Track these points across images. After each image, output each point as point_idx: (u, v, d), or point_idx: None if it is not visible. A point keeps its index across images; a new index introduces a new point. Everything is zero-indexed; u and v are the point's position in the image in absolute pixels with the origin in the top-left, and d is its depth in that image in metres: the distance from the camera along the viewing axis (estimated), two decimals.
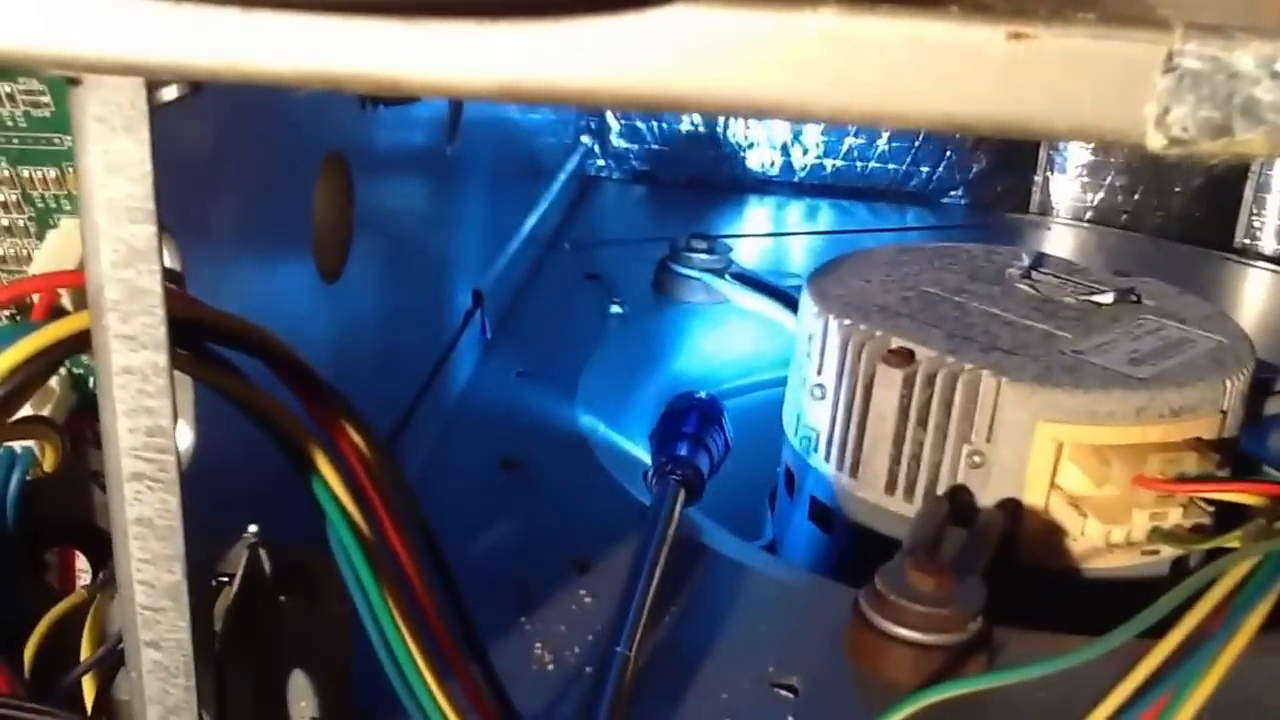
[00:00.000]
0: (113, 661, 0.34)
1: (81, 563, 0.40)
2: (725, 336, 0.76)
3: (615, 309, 0.77)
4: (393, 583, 0.33)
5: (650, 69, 0.24)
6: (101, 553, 0.38)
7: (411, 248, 0.56)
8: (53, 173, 0.36)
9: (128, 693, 0.33)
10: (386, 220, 0.51)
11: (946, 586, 0.44)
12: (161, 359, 0.29)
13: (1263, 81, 0.23)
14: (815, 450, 0.56)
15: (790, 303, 0.65)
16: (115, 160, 0.27)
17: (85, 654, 0.35)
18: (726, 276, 0.78)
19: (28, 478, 0.36)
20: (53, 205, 0.37)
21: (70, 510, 0.39)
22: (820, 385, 0.55)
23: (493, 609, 0.45)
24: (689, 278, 0.79)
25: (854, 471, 0.54)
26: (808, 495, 0.57)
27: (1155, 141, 0.23)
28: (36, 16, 0.23)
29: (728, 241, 0.81)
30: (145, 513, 0.30)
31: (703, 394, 0.56)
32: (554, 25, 0.23)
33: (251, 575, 0.36)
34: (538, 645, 0.44)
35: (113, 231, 0.28)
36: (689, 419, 0.53)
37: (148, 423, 0.29)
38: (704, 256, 0.79)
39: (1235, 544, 0.47)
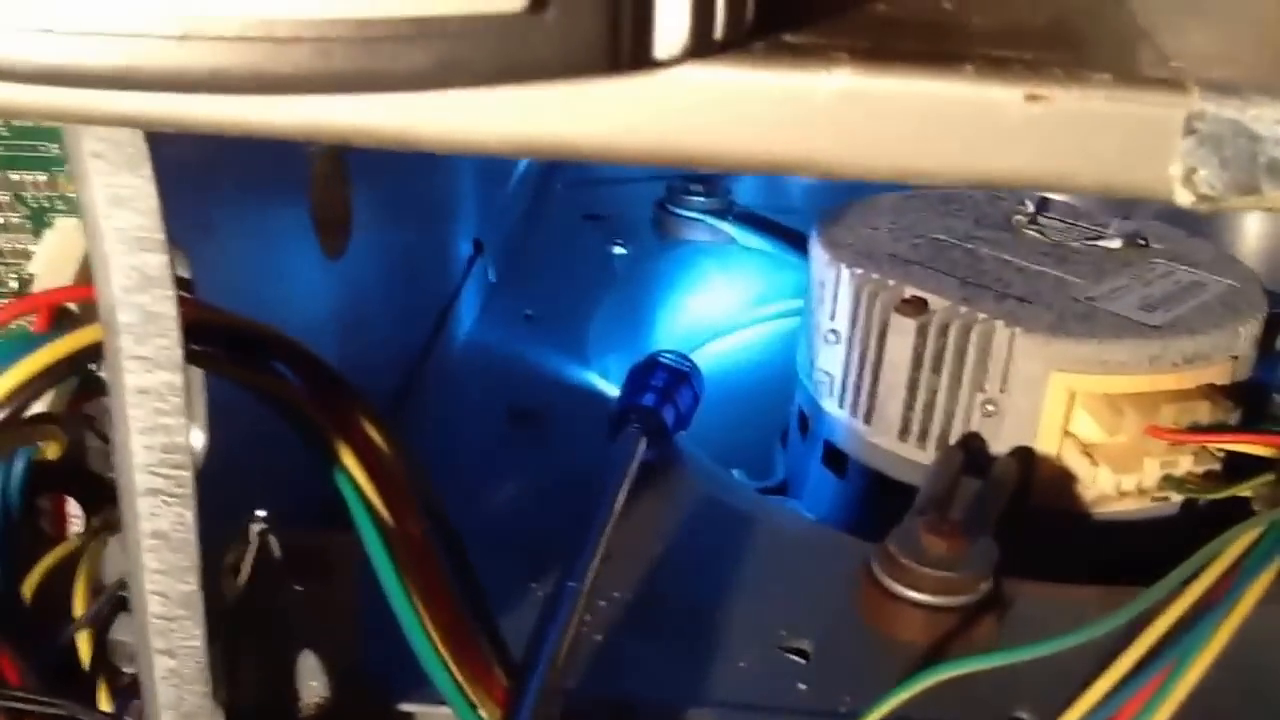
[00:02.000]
0: (108, 610, 0.35)
1: (73, 508, 0.39)
2: (733, 273, 0.75)
3: (618, 250, 0.75)
4: (411, 567, 0.34)
5: (662, 128, 0.24)
6: (94, 498, 0.37)
7: (410, 205, 0.56)
8: (43, 176, 0.36)
9: (127, 634, 0.34)
10: (384, 184, 0.51)
11: (958, 549, 0.44)
12: (177, 379, 0.29)
13: None
14: (829, 394, 0.56)
15: (797, 242, 0.65)
16: (119, 195, 0.27)
17: (78, 602, 0.35)
18: (729, 218, 0.77)
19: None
20: (46, 205, 0.37)
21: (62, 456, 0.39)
22: (834, 331, 0.55)
23: (504, 567, 0.45)
24: (691, 219, 0.77)
25: (868, 418, 0.54)
26: (821, 439, 0.57)
27: (1184, 198, 0.23)
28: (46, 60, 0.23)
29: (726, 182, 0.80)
30: (161, 526, 0.30)
31: (671, 354, 0.56)
32: (566, 86, 0.23)
33: (261, 559, 0.37)
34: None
35: (124, 260, 0.27)
36: (656, 373, 0.54)
37: (164, 440, 0.29)
38: (703, 199, 0.77)
39: (1247, 493, 0.48)
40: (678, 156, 0.24)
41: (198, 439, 0.34)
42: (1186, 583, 0.40)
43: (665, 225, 0.78)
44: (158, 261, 0.28)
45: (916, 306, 0.52)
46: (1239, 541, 0.40)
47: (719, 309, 0.72)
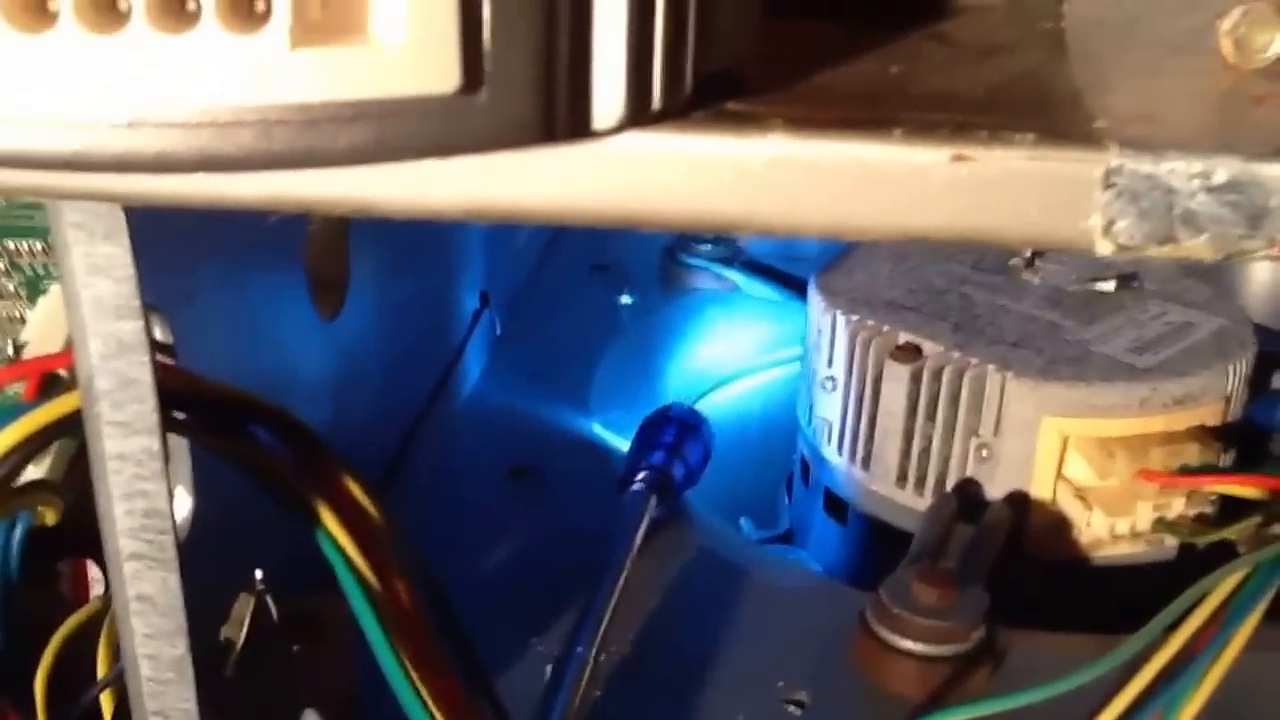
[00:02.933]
0: None
1: (95, 572, 0.40)
2: (740, 321, 0.75)
3: (625, 299, 0.76)
4: (400, 630, 0.34)
5: (603, 193, 0.25)
6: None
7: (413, 260, 0.56)
8: (39, 245, 0.37)
9: None
10: (387, 240, 0.52)
11: (950, 597, 0.45)
12: (155, 444, 0.30)
13: (1197, 195, 0.24)
14: (828, 441, 0.57)
15: (802, 289, 0.65)
16: (98, 263, 0.28)
17: (102, 664, 0.35)
18: (736, 265, 0.77)
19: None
20: (41, 273, 0.38)
21: (80, 520, 0.40)
22: (831, 378, 0.56)
23: (505, 624, 0.46)
24: (697, 267, 0.78)
25: (866, 464, 0.55)
26: (822, 486, 0.58)
27: (1105, 249, 0.24)
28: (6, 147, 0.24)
29: None
30: (146, 590, 0.31)
31: (681, 407, 0.57)
32: (507, 156, 0.24)
33: (259, 621, 0.38)
34: (549, 665, 0.45)
35: (100, 327, 0.28)
36: (666, 429, 0.54)
37: (144, 505, 0.30)
38: (710, 246, 0.78)
39: (1236, 536, 0.48)
40: (619, 220, 0.25)
41: (184, 503, 0.35)
42: (1174, 626, 0.40)
43: (672, 274, 0.79)
44: (134, 328, 0.29)
45: (910, 353, 0.53)
46: (1224, 584, 0.41)
47: (726, 357, 0.73)
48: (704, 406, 0.59)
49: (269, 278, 0.42)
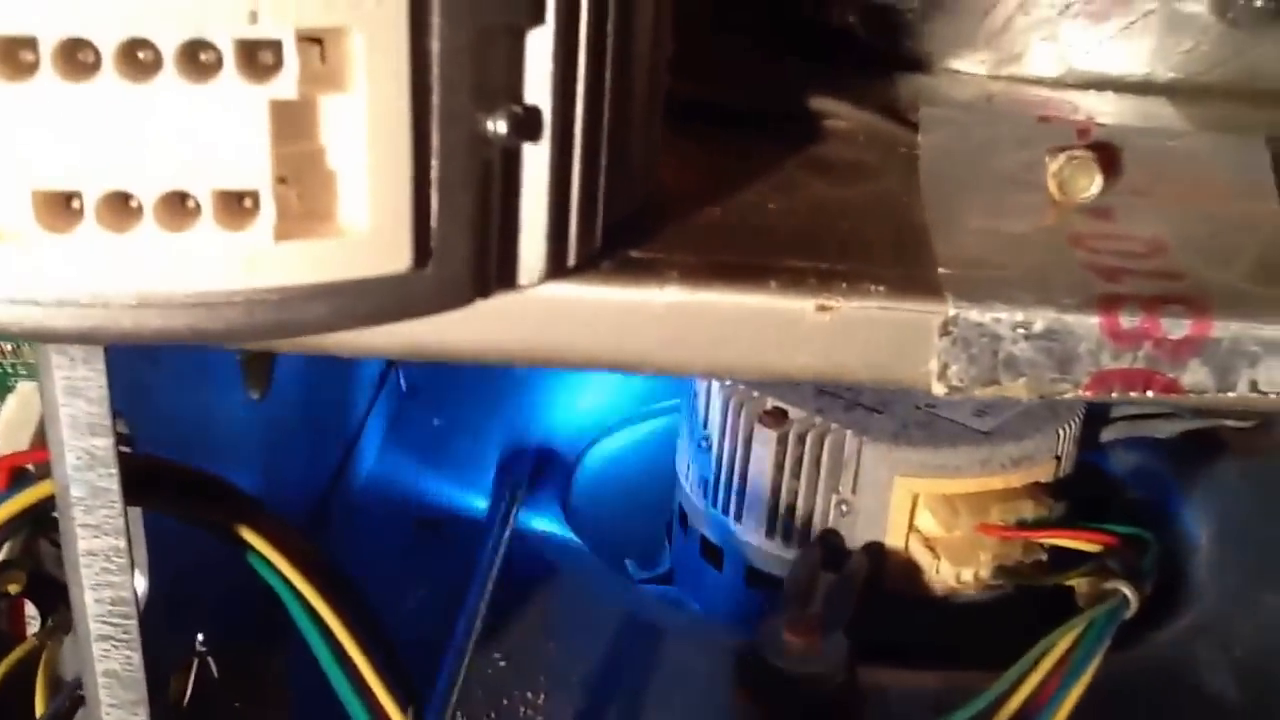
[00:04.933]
0: (67, 707, 0.39)
1: (30, 609, 0.43)
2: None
3: None
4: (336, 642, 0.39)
5: (528, 337, 0.29)
6: (50, 598, 0.41)
7: None
8: (9, 345, 0.41)
9: None
10: None
11: (816, 643, 0.50)
12: (121, 543, 0.34)
13: (1019, 342, 0.29)
14: (704, 494, 0.62)
15: None
16: (76, 385, 0.32)
17: (40, 700, 0.39)
18: None
19: None
20: (9, 370, 0.41)
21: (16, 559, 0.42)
22: (706, 437, 0.61)
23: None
24: None
25: (738, 516, 0.60)
26: (699, 534, 0.63)
27: (939, 390, 0.29)
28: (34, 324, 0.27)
29: None
30: (112, 667, 0.35)
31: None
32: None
33: (201, 681, 0.42)
34: (458, 715, 0.50)
35: (75, 443, 0.32)
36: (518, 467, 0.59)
37: (111, 594, 0.34)
38: None
39: (1070, 582, 0.54)
40: (538, 360, 0.30)
41: (140, 583, 0.39)
42: (1023, 678, 0.46)
43: None
44: (105, 444, 0.33)
45: (777, 418, 0.58)
46: (1065, 639, 0.46)
47: (618, 404, 0.77)
48: (596, 451, 0.63)
49: (210, 370, 0.46)
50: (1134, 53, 0.42)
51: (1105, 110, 0.42)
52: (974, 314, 0.29)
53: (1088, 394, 0.29)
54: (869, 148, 0.38)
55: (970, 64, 0.44)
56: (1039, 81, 0.43)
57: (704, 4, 0.44)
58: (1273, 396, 0.29)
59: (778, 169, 0.36)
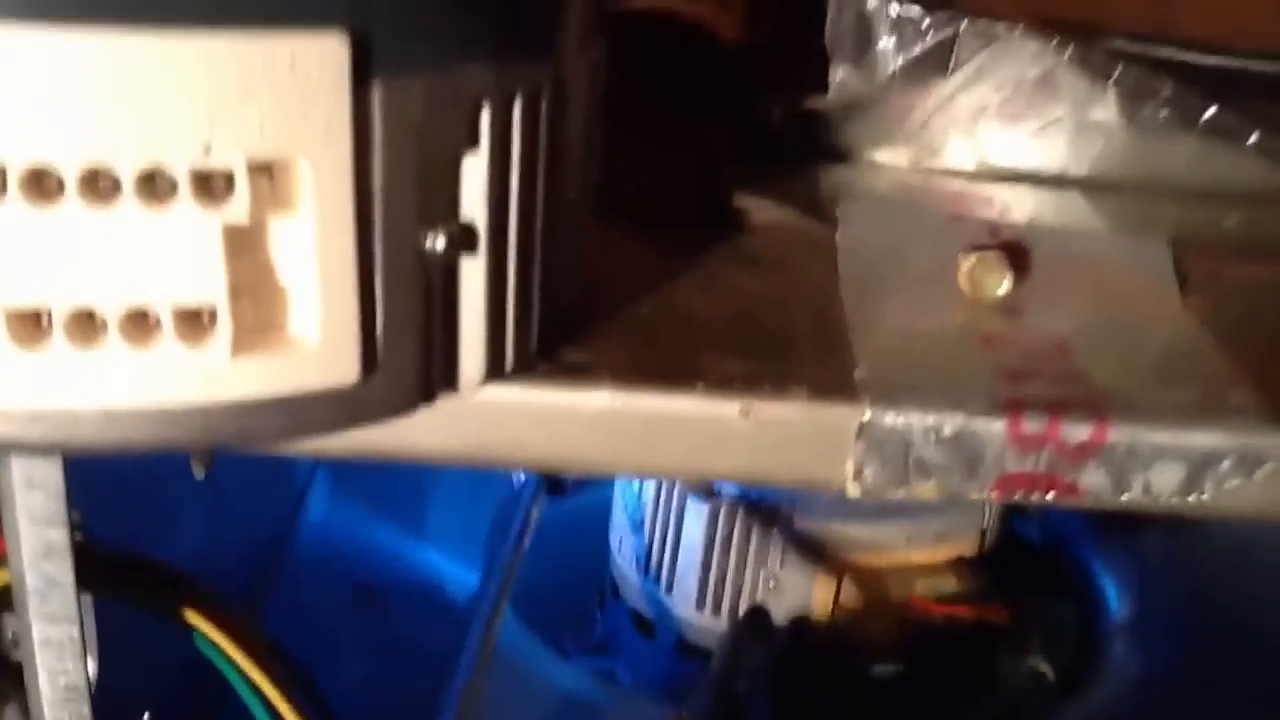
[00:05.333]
0: None
1: None
2: None
3: None
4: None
5: (468, 438, 0.31)
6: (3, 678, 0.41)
7: None
8: None
9: None
10: None
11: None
12: (75, 631, 0.35)
13: (929, 446, 0.31)
14: (636, 567, 0.63)
15: None
16: (34, 480, 0.33)
17: None
18: None
19: None
20: None
21: None
22: (640, 510, 0.63)
23: None
24: None
25: (669, 589, 0.62)
26: (630, 606, 0.64)
27: (854, 491, 0.31)
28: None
29: None
30: None
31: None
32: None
33: None
34: None
35: (32, 534, 0.34)
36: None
37: (65, 680, 0.36)
38: None
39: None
40: (478, 461, 0.31)
41: (91, 666, 0.41)
42: None
43: None
44: (60, 535, 0.34)
45: (709, 492, 0.60)
46: None
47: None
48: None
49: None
50: (1048, 151, 0.45)
51: (1021, 203, 0.44)
52: (888, 418, 0.30)
53: (993, 496, 0.31)
54: (793, 243, 0.40)
55: (891, 157, 0.46)
56: (958, 174, 0.45)
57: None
58: (1164, 500, 0.31)
59: (705, 264, 0.37)
